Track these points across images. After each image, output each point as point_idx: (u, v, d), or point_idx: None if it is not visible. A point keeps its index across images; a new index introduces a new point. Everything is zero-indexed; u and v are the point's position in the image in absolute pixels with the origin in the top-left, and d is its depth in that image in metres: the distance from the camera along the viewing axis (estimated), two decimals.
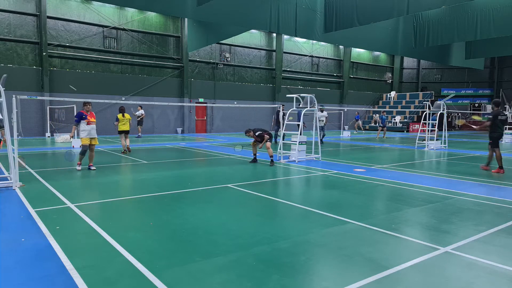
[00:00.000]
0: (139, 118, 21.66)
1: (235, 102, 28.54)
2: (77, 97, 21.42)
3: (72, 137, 9.71)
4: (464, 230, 4.88)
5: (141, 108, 21.90)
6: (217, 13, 16.47)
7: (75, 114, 18.84)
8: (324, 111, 18.70)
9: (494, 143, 9.86)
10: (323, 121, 18.23)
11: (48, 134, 21.23)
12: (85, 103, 9.74)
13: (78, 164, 9.53)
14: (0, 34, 20.48)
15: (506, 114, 12.03)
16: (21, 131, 19.42)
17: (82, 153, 9.57)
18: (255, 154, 11.41)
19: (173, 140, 20.55)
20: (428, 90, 39.27)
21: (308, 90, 32.45)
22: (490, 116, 9.92)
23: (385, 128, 23.87)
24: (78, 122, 9.48)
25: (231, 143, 18.29)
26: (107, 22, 23.54)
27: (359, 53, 37.31)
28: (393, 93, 38.34)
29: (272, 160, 10.85)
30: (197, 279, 3.39)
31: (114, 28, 23.83)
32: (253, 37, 29.90)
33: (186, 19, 25.24)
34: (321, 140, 17.16)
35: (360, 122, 31.87)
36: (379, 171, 9.90)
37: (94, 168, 9.67)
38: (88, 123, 9.53)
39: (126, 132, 13.36)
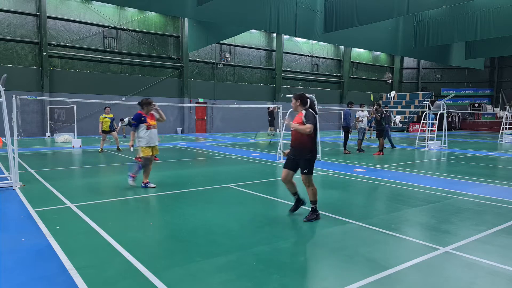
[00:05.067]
0: None
1: (235, 102, 28.53)
2: (77, 97, 21.44)
3: (132, 145, 7.31)
4: (464, 230, 4.88)
5: None
6: (217, 13, 16.48)
7: (75, 114, 19.19)
8: (365, 110, 15.04)
9: (380, 134, 13.85)
10: (362, 121, 14.84)
11: (48, 134, 21.23)
12: (144, 102, 7.46)
13: (132, 176, 7.33)
14: (0, 34, 20.49)
15: (387, 114, 15.96)
16: (21, 131, 19.41)
17: (144, 166, 7.35)
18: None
19: (173, 140, 20.54)
20: (428, 90, 39.25)
21: (308, 90, 32.44)
22: (379, 114, 13.75)
23: (372, 128, 22.96)
24: (136, 127, 7.27)
25: (231, 143, 18.29)
26: (107, 22, 23.54)
27: (359, 53, 37.31)
28: (393, 93, 38.33)
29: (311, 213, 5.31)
30: (197, 279, 3.39)
31: (114, 28, 23.83)
32: (253, 37, 29.90)
33: (186, 19, 25.25)
34: (359, 147, 14.49)
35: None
36: (379, 171, 9.89)
37: (153, 185, 7.41)
38: (148, 127, 7.31)
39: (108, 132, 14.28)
